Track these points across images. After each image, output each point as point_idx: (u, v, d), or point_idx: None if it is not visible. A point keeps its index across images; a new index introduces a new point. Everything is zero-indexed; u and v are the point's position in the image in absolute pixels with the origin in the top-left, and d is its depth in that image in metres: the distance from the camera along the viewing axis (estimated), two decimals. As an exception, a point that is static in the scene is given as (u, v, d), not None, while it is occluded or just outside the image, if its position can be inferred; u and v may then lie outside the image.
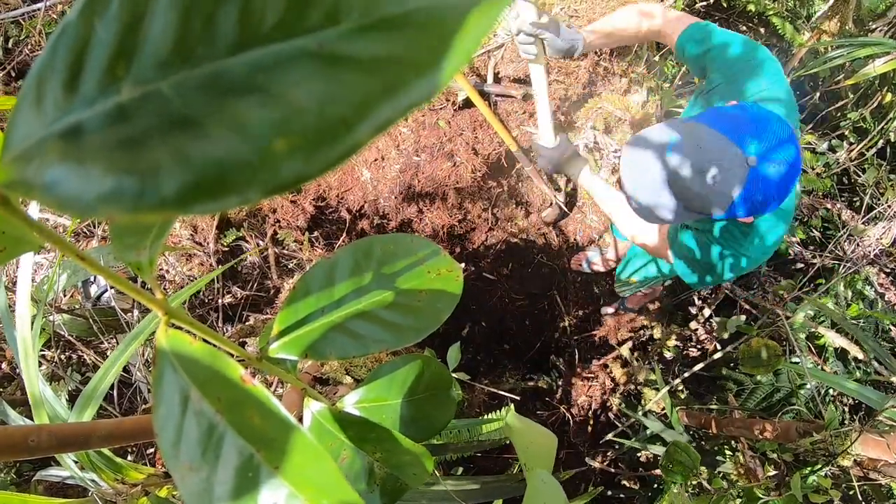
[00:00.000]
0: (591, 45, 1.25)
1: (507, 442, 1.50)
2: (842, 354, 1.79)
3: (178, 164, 0.14)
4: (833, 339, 1.49)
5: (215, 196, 0.14)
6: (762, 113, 0.87)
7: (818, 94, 2.10)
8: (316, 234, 1.90)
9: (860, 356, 1.42)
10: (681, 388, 1.83)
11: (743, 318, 1.55)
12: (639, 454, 1.78)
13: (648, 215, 0.97)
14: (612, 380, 1.94)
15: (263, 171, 0.14)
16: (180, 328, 0.32)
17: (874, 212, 1.91)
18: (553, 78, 1.75)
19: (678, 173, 0.87)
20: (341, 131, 0.14)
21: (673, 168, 0.88)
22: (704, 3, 1.87)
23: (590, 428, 1.92)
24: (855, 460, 1.05)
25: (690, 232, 1.15)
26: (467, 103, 1.76)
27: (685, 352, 1.93)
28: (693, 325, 1.89)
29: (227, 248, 1.84)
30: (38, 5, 1.76)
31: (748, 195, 0.86)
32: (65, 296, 1.68)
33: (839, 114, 2.13)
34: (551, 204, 1.96)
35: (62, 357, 1.54)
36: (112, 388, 1.11)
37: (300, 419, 0.52)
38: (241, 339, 1.56)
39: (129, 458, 1.39)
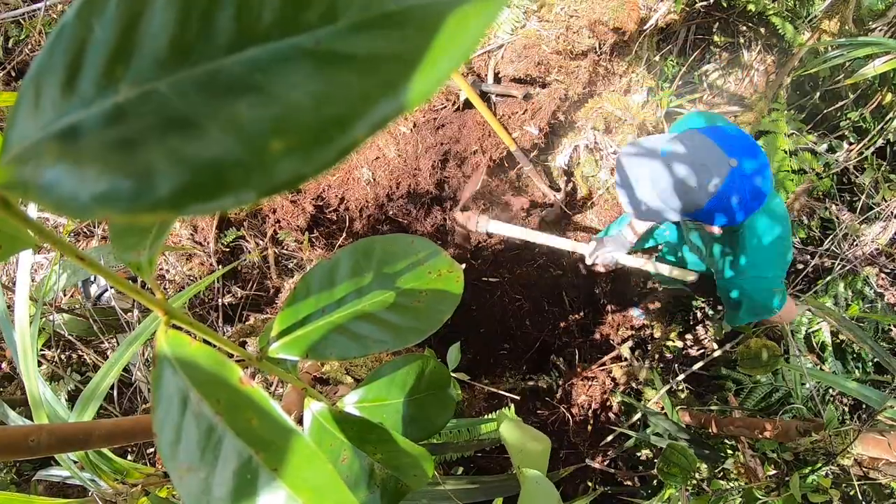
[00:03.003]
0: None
1: (507, 442, 1.50)
2: (841, 354, 1.79)
3: (174, 165, 0.14)
4: (833, 334, 1.49)
5: (211, 197, 0.14)
6: (747, 135, 1.04)
7: (818, 94, 2.10)
8: (316, 233, 1.90)
9: (862, 349, 1.42)
10: (681, 387, 1.83)
11: (740, 318, 1.55)
12: (638, 453, 1.78)
13: (643, 213, 1.09)
14: (613, 379, 1.94)
15: (260, 172, 0.14)
16: (180, 328, 0.32)
17: (873, 212, 1.91)
18: (553, 77, 1.75)
19: (669, 171, 1.01)
20: (338, 130, 0.14)
21: (665, 167, 1.01)
22: (704, 3, 1.87)
23: (590, 428, 1.92)
24: (855, 459, 1.05)
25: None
26: (468, 104, 1.76)
27: (685, 351, 1.93)
28: (693, 324, 1.89)
29: (227, 248, 1.84)
30: (38, 5, 1.76)
31: (726, 192, 0.99)
32: (65, 295, 1.68)
33: (839, 114, 2.12)
34: (552, 204, 1.96)
35: (62, 357, 1.54)
36: (112, 387, 1.11)
37: (301, 419, 0.52)
38: (241, 339, 1.56)
39: (129, 458, 1.39)
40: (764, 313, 1.21)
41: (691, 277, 1.48)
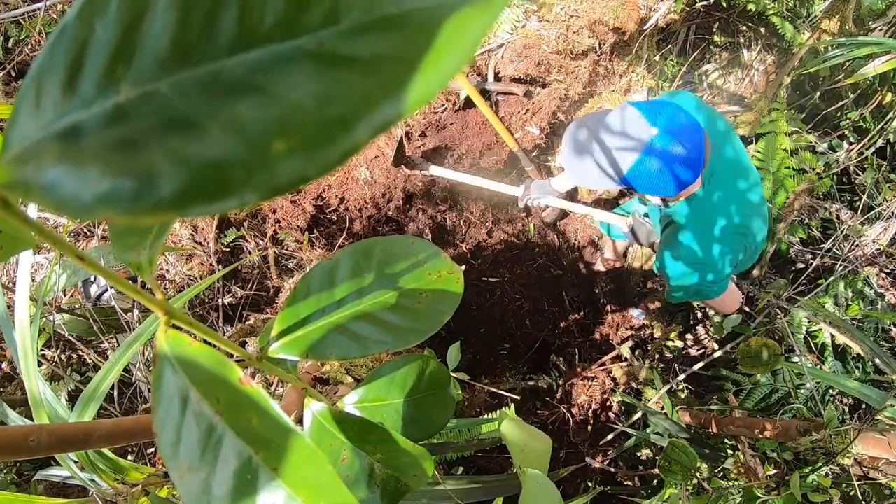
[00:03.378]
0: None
1: (507, 441, 1.50)
2: (841, 354, 1.79)
3: (176, 166, 0.14)
4: (833, 334, 1.49)
5: (213, 198, 0.14)
6: (673, 104, 1.10)
7: (818, 94, 2.10)
8: (316, 233, 1.90)
9: (860, 352, 1.42)
10: (681, 387, 1.83)
11: (739, 317, 1.55)
12: (638, 453, 1.78)
13: (582, 178, 1.19)
14: (613, 379, 1.94)
15: (262, 173, 0.14)
16: (180, 328, 0.32)
17: (873, 212, 1.91)
18: (553, 77, 1.75)
19: (602, 139, 1.11)
20: (340, 130, 0.14)
21: (600, 135, 1.11)
22: (704, 3, 1.87)
23: (590, 427, 1.92)
24: (855, 459, 1.05)
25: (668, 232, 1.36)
26: (469, 103, 1.76)
27: (685, 351, 1.93)
28: (693, 324, 1.88)
29: (227, 248, 1.84)
30: (38, 5, 1.76)
31: (645, 157, 1.06)
32: (65, 295, 1.68)
33: (839, 113, 2.12)
34: (551, 203, 1.96)
35: (62, 357, 1.54)
36: (112, 388, 1.11)
37: (301, 419, 0.52)
38: (241, 339, 1.56)
39: (129, 458, 1.39)
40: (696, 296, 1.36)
41: (624, 225, 1.54)
